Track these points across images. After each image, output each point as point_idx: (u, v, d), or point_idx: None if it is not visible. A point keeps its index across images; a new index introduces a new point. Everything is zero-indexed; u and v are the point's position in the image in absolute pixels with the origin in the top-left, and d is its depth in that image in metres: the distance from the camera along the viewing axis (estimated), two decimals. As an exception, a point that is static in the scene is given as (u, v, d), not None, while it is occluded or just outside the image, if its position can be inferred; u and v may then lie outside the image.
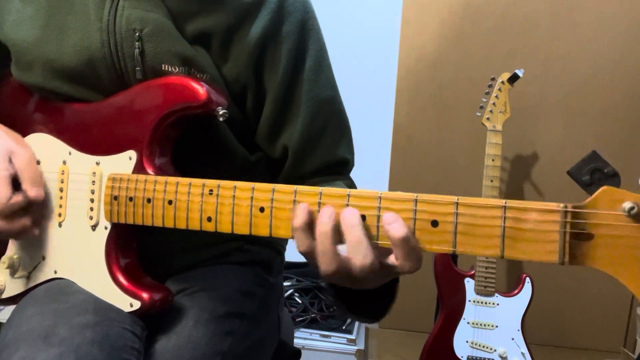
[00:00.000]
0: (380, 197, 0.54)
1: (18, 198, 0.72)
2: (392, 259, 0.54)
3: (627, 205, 0.45)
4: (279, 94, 0.78)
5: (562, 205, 0.48)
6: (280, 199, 0.59)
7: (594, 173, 0.49)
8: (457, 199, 0.51)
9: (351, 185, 0.85)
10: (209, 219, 0.63)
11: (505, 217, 0.50)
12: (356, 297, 0.63)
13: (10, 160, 0.74)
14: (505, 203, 0.50)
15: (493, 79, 1.66)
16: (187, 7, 0.74)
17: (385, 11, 2.05)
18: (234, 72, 0.77)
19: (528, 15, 1.93)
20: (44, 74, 0.77)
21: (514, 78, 1.63)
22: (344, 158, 0.84)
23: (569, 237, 0.47)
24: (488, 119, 1.64)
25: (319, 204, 0.56)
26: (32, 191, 0.73)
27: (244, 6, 0.75)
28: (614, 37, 1.89)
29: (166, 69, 0.73)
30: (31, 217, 0.75)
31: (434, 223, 0.52)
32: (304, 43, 0.79)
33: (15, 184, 0.74)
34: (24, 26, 0.77)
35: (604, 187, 0.47)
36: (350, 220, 0.54)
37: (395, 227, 0.52)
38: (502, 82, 1.64)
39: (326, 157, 0.82)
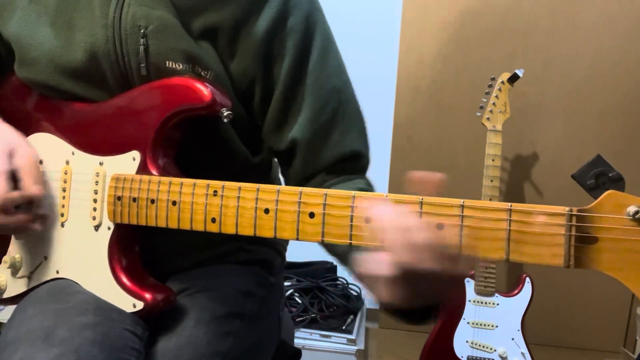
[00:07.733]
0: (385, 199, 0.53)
1: (15, 194, 0.72)
2: None
3: (631, 209, 0.46)
4: (286, 86, 0.78)
5: (567, 208, 0.48)
6: (286, 200, 0.58)
7: (598, 177, 0.49)
8: (463, 202, 0.51)
9: (369, 184, 0.81)
10: (213, 220, 0.63)
11: (510, 220, 0.49)
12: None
13: (10, 157, 0.74)
14: (511, 206, 0.49)
15: (493, 79, 1.66)
16: (194, 3, 0.74)
17: (385, 11, 2.04)
18: (240, 67, 0.77)
19: (528, 15, 1.93)
20: (48, 70, 0.77)
21: (514, 78, 1.63)
22: (356, 151, 0.81)
23: (574, 241, 0.47)
24: (488, 119, 1.64)
25: (324, 205, 0.56)
26: (31, 188, 0.73)
27: (251, 0, 0.76)
28: (614, 37, 1.89)
29: (170, 66, 0.73)
30: (30, 214, 0.74)
31: (440, 226, 0.51)
32: (310, 35, 0.79)
33: (16, 180, 0.74)
34: (31, 23, 0.78)
35: (609, 191, 0.47)
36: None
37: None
38: (502, 82, 1.64)
39: (337, 151, 0.79)
